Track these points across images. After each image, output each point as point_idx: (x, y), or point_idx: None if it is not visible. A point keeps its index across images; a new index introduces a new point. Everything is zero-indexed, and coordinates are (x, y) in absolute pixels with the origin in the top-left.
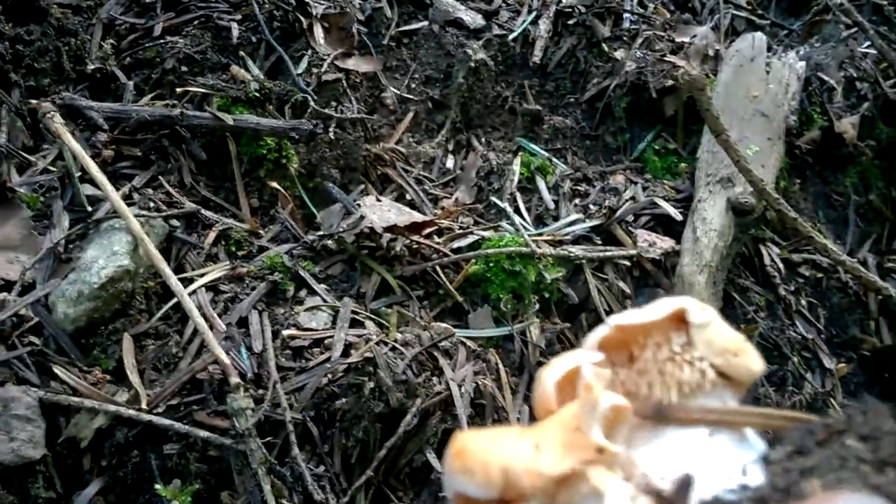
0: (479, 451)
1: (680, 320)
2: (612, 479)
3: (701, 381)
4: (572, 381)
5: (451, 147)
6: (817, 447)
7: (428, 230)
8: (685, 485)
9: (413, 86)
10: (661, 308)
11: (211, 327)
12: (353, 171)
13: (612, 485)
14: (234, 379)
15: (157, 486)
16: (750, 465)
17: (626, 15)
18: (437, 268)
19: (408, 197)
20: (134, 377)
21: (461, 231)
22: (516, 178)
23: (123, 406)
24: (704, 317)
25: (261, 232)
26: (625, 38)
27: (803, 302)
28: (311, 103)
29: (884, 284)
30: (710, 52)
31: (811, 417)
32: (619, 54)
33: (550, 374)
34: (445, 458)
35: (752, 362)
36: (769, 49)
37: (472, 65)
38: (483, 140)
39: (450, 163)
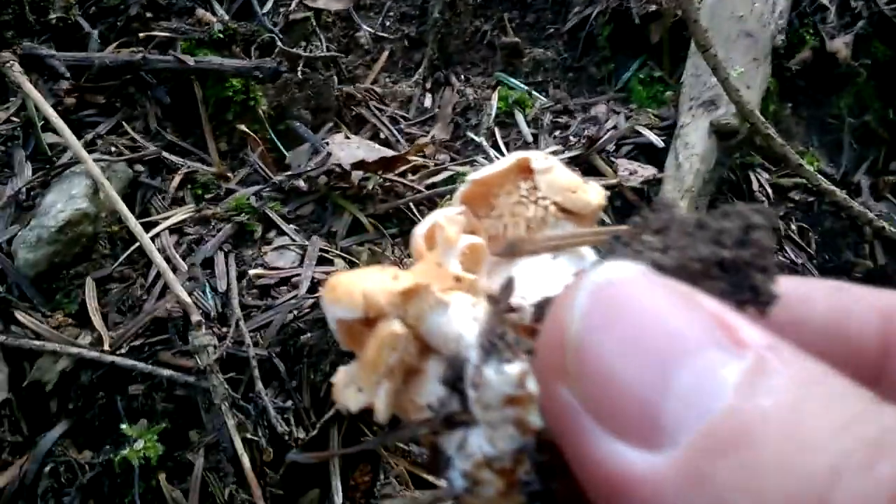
0: (345, 283)
1: (527, 170)
2: (458, 293)
3: (545, 216)
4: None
5: (428, 85)
6: (622, 246)
7: (401, 168)
8: (508, 285)
9: (388, 24)
10: (508, 159)
11: (174, 269)
12: (326, 111)
13: (457, 296)
14: (196, 317)
15: (123, 426)
16: (576, 274)
17: None
18: (411, 204)
19: (382, 136)
20: (97, 320)
21: (436, 168)
22: (494, 113)
23: (86, 348)
24: (546, 163)
25: (229, 175)
26: None
27: (793, 227)
28: (278, 43)
29: (875, 216)
30: None
31: (627, 227)
32: None
33: (419, 229)
34: (322, 295)
35: (591, 196)
36: None
37: None
38: (462, 77)
39: (428, 101)
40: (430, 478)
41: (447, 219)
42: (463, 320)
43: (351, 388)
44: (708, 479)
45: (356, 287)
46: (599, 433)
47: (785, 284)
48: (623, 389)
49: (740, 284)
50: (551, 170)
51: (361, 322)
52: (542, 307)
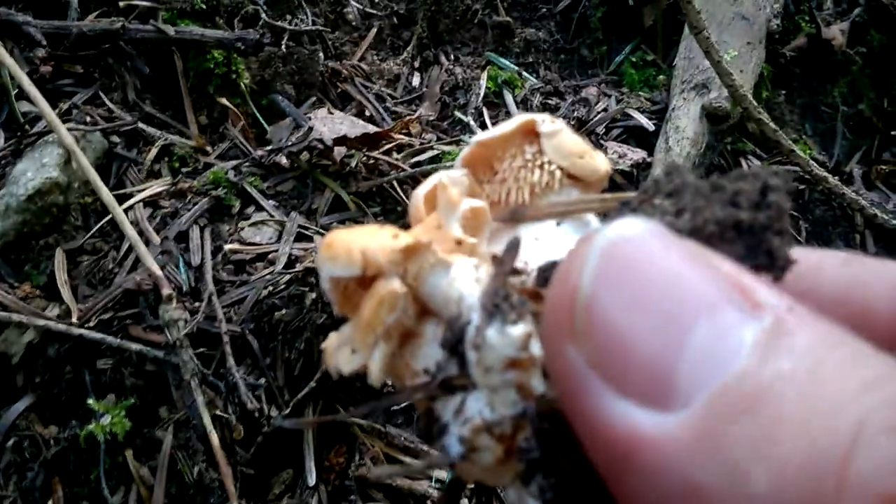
0: (343, 240)
1: (533, 133)
2: (459, 255)
3: (551, 181)
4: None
5: (417, 64)
6: (632, 213)
7: (386, 146)
8: (514, 245)
9: (377, 0)
10: (513, 121)
11: (147, 242)
12: (310, 87)
13: (460, 257)
14: (167, 290)
15: (90, 401)
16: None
17: None
18: (395, 183)
19: (367, 113)
20: (65, 292)
21: (422, 146)
22: (482, 93)
23: (53, 320)
24: (553, 126)
25: (208, 149)
26: None
27: None
28: (263, 15)
29: (867, 204)
30: None
31: (636, 193)
32: None
33: (420, 190)
34: (317, 253)
35: (598, 163)
36: None
37: None
38: (451, 56)
39: (416, 80)
40: (407, 458)
41: (450, 179)
42: (465, 281)
43: (344, 350)
44: (721, 441)
45: (354, 244)
46: (607, 393)
47: (796, 253)
48: (634, 348)
49: (756, 248)
50: (558, 133)
51: (357, 281)
52: (546, 270)
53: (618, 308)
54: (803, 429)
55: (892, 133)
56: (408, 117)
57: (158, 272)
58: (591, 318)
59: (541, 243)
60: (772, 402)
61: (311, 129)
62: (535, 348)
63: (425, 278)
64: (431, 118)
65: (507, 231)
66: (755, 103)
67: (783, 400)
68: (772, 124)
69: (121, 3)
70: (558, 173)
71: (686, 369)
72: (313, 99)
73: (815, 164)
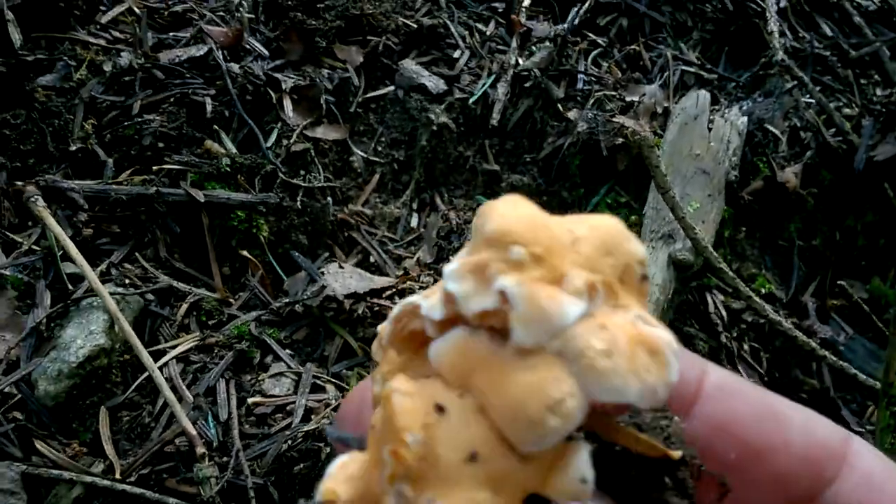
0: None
1: None
2: None
3: None
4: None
5: (415, 206)
6: None
7: (388, 291)
8: None
9: (379, 149)
10: None
11: (180, 399)
12: (321, 234)
13: None
14: (200, 449)
15: None
16: None
17: (579, 76)
18: None
19: (371, 258)
20: (109, 448)
21: (420, 290)
22: None
23: (99, 476)
24: None
25: (231, 300)
26: (578, 98)
27: (746, 347)
28: (280, 174)
29: (817, 345)
30: (659, 110)
31: None
32: (572, 114)
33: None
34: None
35: None
36: (716, 103)
37: (435, 128)
38: (446, 198)
39: (414, 221)
40: None
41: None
42: None
43: None
44: None
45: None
46: None
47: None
48: None
49: None
50: None
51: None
52: None
53: None
54: None
55: (839, 281)
56: (412, 271)
57: (192, 430)
58: None
59: None
60: None
61: (324, 286)
62: None
63: None
64: (429, 261)
65: None
66: (715, 254)
67: None
68: (730, 272)
69: (154, 167)
70: None
71: None
72: (326, 254)
73: (770, 308)
